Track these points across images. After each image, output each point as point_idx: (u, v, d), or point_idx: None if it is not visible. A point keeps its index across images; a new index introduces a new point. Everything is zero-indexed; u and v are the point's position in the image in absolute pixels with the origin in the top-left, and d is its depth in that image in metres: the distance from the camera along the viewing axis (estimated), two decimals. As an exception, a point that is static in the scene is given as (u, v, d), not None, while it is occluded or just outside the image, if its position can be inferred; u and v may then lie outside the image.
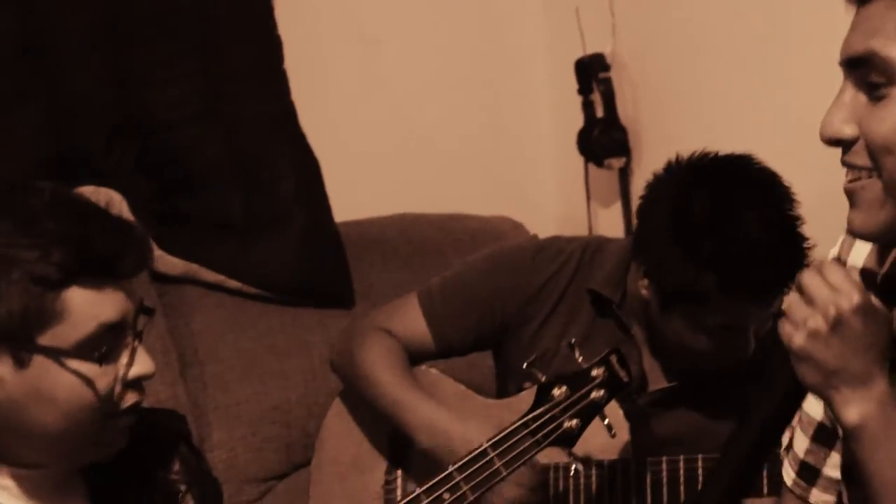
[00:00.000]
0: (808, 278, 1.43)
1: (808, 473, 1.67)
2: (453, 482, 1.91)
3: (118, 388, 1.63)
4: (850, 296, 1.41)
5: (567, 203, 3.35)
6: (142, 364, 1.65)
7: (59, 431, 1.61)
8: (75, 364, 1.58)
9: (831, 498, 1.67)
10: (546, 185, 3.40)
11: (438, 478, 1.91)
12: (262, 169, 2.85)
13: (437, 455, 2.15)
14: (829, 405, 1.45)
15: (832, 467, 1.66)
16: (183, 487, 1.80)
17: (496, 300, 2.43)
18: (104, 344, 1.60)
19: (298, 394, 2.74)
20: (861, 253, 1.57)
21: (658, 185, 2.25)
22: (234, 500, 2.70)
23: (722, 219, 2.13)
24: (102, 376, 1.60)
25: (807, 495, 1.68)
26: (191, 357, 2.75)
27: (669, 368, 2.37)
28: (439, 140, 3.30)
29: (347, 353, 2.46)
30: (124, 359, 1.63)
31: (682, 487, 2.23)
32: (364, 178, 3.16)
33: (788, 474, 1.70)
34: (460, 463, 1.93)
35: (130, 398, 1.65)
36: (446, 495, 1.91)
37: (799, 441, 1.68)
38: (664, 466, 2.25)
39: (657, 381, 2.38)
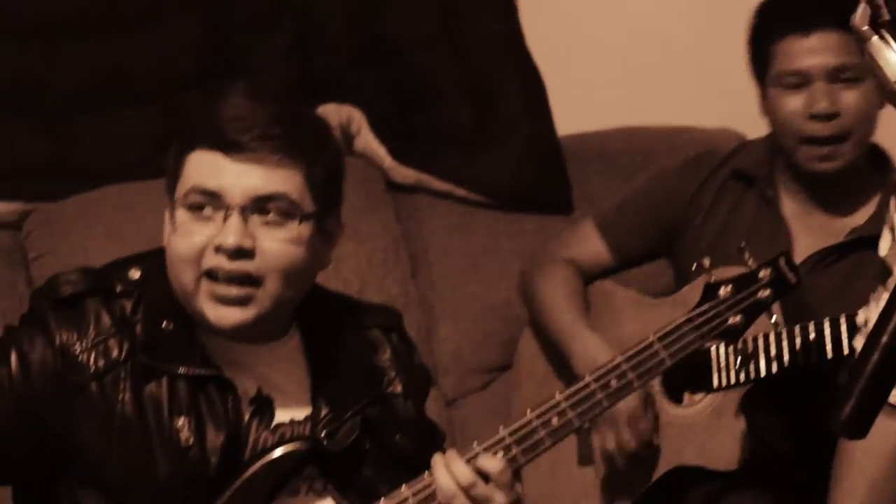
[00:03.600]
0: None
1: None
2: (620, 370, 1.99)
3: (208, 250, 1.85)
4: None
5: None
6: (225, 235, 1.84)
7: (175, 284, 1.88)
8: (176, 213, 1.86)
9: None
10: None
11: (608, 367, 2.00)
12: (489, 85, 3.08)
13: None
14: None
15: None
16: (392, 373, 2.03)
17: (660, 206, 2.63)
18: (201, 206, 1.84)
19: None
20: None
21: None
22: (458, 389, 2.96)
23: None
24: (196, 234, 1.85)
25: None
26: (421, 258, 3.01)
27: (814, 231, 2.52)
28: (665, 52, 3.39)
29: (529, 283, 2.70)
30: (217, 227, 1.84)
31: (828, 348, 2.34)
32: (589, 92, 3.30)
33: None
34: (628, 353, 2.01)
35: (212, 260, 1.85)
36: (613, 382, 1.99)
37: None
38: (811, 330, 2.36)
39: (804, 250, 2.52)
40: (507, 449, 1.91)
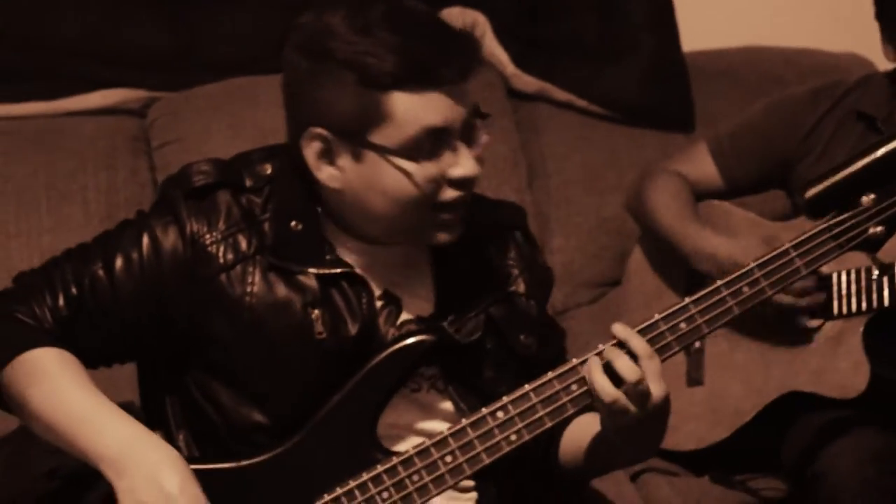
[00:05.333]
0: None
1: None
2: (752, 278, 1.91)
3: (441, 185, 1.83)
4: None
5: (920, 41, 3.34)
6: (464, 166, 1.83)
7: (390, 216, 1.85)
8: (399, 161, 1.81)
9: None
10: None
11: (738, 273, 1.92)
12: (617, -3, 3.04)
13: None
14: None
15: None
16: (515, 272, 2.01)
17: (776, 137, 2.58)
18: (426, 145, 1.80)
19: (634, 209, 2.94)
20: None
21: None
22: (569, 301, 2.94)
23: None
24: (423, 173, 1.82)
25: None
26: (538, 169, 2.99)
27: None
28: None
29: (637, 191, 2.67)
30: (449, 159, 1.83)
31: None
32: (716, 8, 3.26)
33: None
34: (761, 260, 1.93)
35: (451, 194, 1.84)
36: (745, 289, 1.91)
37: None
38: None
39: None
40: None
